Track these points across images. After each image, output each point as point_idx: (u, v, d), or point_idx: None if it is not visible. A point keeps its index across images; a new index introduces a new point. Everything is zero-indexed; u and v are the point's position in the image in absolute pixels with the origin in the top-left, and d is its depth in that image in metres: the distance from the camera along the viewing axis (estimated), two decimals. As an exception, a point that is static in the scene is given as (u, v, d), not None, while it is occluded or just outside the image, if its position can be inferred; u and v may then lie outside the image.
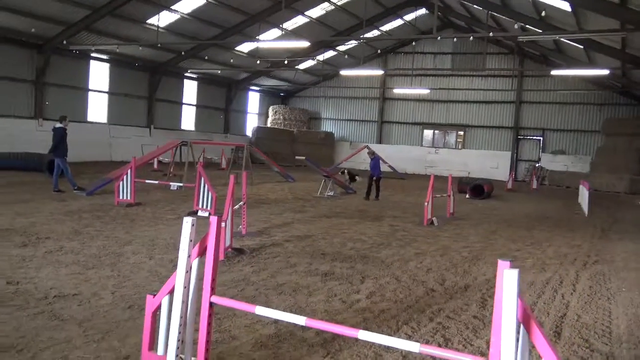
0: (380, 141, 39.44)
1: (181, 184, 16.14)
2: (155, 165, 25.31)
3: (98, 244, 8.74)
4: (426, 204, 13.24)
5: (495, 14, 24.65)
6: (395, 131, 39.82)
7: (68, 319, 5.20)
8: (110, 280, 6.66)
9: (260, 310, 3.65)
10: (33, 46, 24.45)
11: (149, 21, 25.03)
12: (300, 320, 3.55)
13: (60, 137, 14.96)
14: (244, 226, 10.30)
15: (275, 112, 40.65)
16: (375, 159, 18.68)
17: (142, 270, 7.25)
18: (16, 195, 13.76)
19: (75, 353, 4.42)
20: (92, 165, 24.05)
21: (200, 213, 12.32)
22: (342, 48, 35.20)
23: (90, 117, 28.23)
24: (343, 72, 31.90)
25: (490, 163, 35.66)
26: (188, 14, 25.44)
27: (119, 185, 13.42)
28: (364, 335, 3.27)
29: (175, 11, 24.86)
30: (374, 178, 18.35)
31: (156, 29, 24.35)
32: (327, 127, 41.72)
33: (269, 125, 40.49)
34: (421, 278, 7.79)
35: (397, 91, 37.09)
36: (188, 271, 3.86)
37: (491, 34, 18.73)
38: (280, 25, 28.17)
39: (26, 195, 13.99)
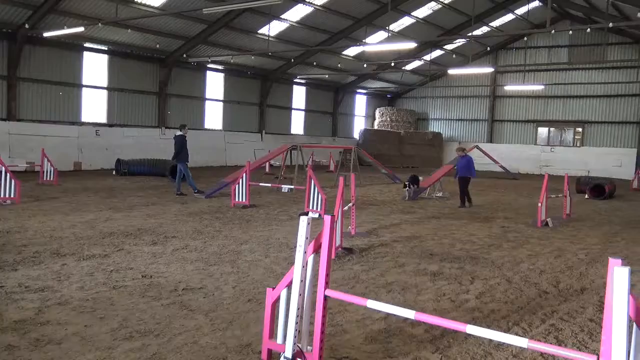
0: (491, 140, 38.28)
1: (292, 187, 16.76)
2: (267, 169, 26.37)
3: (218, 242, 9.39)
4: (540, 204, 12.79)
5: (617, 1, 23.12)
6: (507, 130, 38.44)
7: (196, 309, 5.73)
8: (230, 275, 7.18)
9: (372, 304, 3.87)
10: (157, 60, 26.49)
11: (260, 31, 26.18)
12: (409, 314, 3.72)
13: (180, 144, 16.11)
14: (353, 227, 10.57)
15: (382, 114, 40.75)
16: (465, 157, 16.35)
17: (259, 267, 7.73)
18: (146, 199, 15.03)
19: (204, 339, 4.89)
20: (209, 170, 25.57)
21: (310, 214, 12.73)
22: (450, 47, 34.61)
23: (207, 125, 29.99)
24: (451, 71, 31.38)
25: (612, 161, 33.37)
26: (297, 22, 26.30)
27: (235, 188, 14.24)
28: (472, 329, 3.37)
29: (285, 20, 25.80)
30: (459, 179, 16.09)
31: (267, 38, 25.43)
32: (435, 127, 41.16)
33: (375, 127, 40.67)
34: (533, 280, 7.62)
35: (509, 88, 35.81)
36: (304, 266, 4.15)
37: (611, 24, 17.58)
38: (387, 28, 28.29)
39: (154, 198, 15.23)
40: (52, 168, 17.92)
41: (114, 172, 22.32)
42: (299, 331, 4.18)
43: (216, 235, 10.11)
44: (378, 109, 41.38)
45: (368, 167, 29.13)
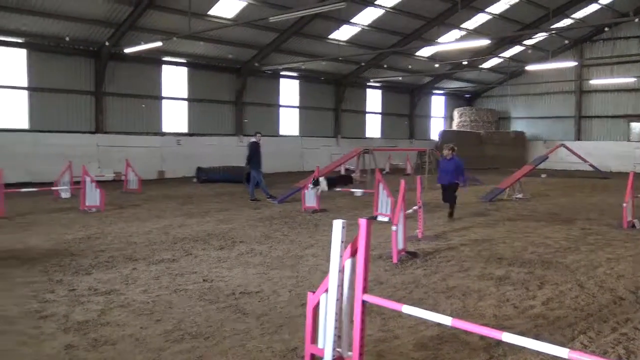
0: (578, 138, 36.34)
1: (365, 191, 16.66)
2: (342, 173, 26.40)
3: (283, 247, 9.49)
4: (624, 204, 11.97)
5: None
6: (595, 126, 36.33)
7: (249, 312, 5.80)
8: (289, 280, 7.23)
9: (407, 309, 3.75)
10: (232, 70, 27.27)
11: (330, 36, 26.32)
12: (445, 320, 3.57)
13: (254, 151, 16.44)
14: (420, 230, 10.35)
15: (461, 114, 39.70)
16: (452, 160, 13.14)
17: (319, 271, 7.72)
18: (220, 205, 15.47)
19: (251, 343, 4.94)
20: (285, 176, 25.94)
21: (379, 218, 12.64)
22: (528, 42, 33.24)
23: (283, 131, 30.49)
24: (530, 68, 30.10)
25: None
26: (368, 25, 26.20)
27: (305, 193, 14.36)
28: (508, 337, 3.19)
29: (355, 24, 25.78)
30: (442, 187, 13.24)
31: (338, 43, 25.52)
32: (517, 126, 39.60)
33: (454, 128, 39.69)
34: (609, 285, 7.12)
35: (596, 82, 33.88)
36: (341, 271, 4.10)
37: None
38: (460, 26, 27.59)
39: (228, 204, 15.65)
40: (135, 177, 18.86)
41: (194, 180, 23.15)
42: (338, 336, 4.12)
43: (283, 239, 10.22)
44: (456, 109, 40.37)
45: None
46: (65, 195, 16.44)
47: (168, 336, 5.08)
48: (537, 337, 4.93)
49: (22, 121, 21.35)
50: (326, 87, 32.30)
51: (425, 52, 31.01)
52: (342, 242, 4.08)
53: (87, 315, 5.64)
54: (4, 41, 20.48)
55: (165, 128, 25.54)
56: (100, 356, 4.60)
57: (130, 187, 18.86)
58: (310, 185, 13.18)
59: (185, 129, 26.27)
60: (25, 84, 21.25)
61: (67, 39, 21.00)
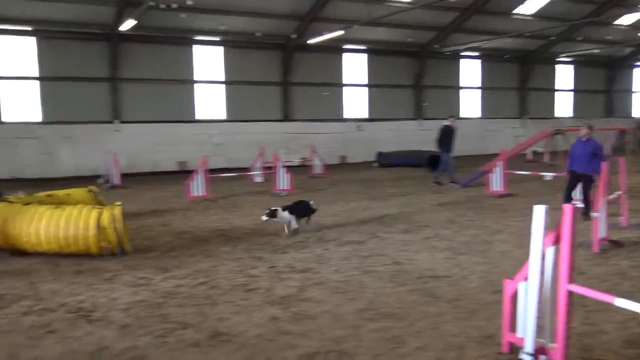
0: None
1: (555, 174, 15.56)
2: (530, 156, 24.89)
3: (470, 232, 9.27)
4: None
5: None
6: None
7: (439, 297, 5.79)
8: (479, 266, 7.05)
9: (621, 302, 3.44)
10: (411, 54, 27.11)
11: (515, 11, 24.84)
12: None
13: (445, 134, 16.11)
14: (625, 217, 9.40)
15: (670, 87, 35.05)
16: (590, 142, 10.10)
17: (511, 258, 7.41)
18: (402, 189, 15.58)
19: (445, 326, 4.93)
20: (467, 159, 25.18)
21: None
22: None
23: (463, 113, 29.62)
24: None
25: None
26: (558, -4, 24.27)
27: (490, 177, 13.84)
28: None
29: (544, -5, 24.04)
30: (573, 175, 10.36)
31: (524, 17, 23.99)
32: None
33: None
34: None
35: None
36: (542, 258, 3.89)
37: None
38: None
39: (409, 188, 15.69)
40: (320, 162, 19.79)
41: (374, 164, 23.58)
42: (540, 327, 3.94)
43: (468, 224, 9.99)
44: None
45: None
46: (258, 179, 17.82)
47: (362, 314, 5.28)
48: None
49: (221, 112, 23.55)
50: (510, 65, 30.63)
51: (627, 19, 27.79)
52: (544, 228, 3.86)
53: (287, 291, 6.08)
54: (204, 40, 22.73)
55: (346, 114, 26.33)
56: (302, 328, 4.94)
57: (316, 171, 19.82)
58: (264, 217, 9.34)
59: (365, 115, 26.82)
60: (223, 79, 23.37)
61: (259, 34, 22.58)
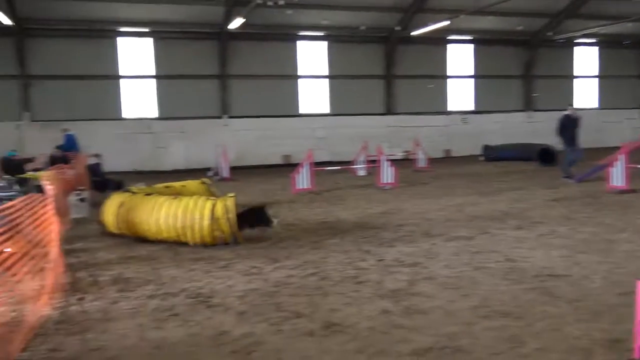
0: None
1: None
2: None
3: (588, 230, 8.72)
4: None
5: None
6: None
7: (559, 296, 5.48)
8: (601, 265, 6.61)
9: None
10: (520, 43, 25.91)
11: (639, -7, 22.99)
12: None
13: (564, 125, 15.23)
14: None
15: None
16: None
17: (638, 259, 6.90)
18: (511, 183, 14.98)
19: (567, 328, 4.66)
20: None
21: None
22: None
23: (577, 104, 27.86)
24: None
25: None
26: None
27: (610, 171, 12.95)
28: None
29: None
30: None
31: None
32: None
33: None
34: None
35: None
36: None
37: None
38: None
39: (519, 183, 15.04)
40: (424, 156, 19.48)
41: (480, 158, 22.86)
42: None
43: (586, 221, 9.40)
44: None
45: None
46: (361, 173, 17.85)
47: (476, 311, 5.12)
48: None
49: (324, 106, 23.84)
50: (630, 52, 28.42)
51: None
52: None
53: (397, 285, 6.03)
54: (308, 35, 23.09)
55: (451, 107, 25.69)
56: (414, 323, 4.88)
57: (420, 165, 19.53)
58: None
59: (470, 107, 26.03)
60: (326, 73, 23.63)
61: (362, 28, 22.56)
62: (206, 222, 8.01)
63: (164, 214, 8.25)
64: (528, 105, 26.56)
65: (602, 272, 6.30)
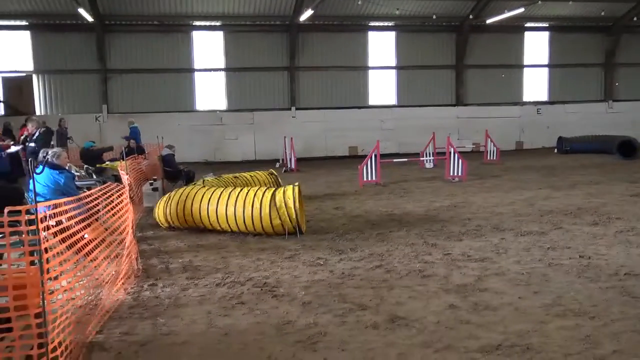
0: None
1: None
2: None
3: (673, 227, 8.22)
4: None
5: None
6: None
7: (639, 297, 5.19)
8: (686, 265, 6.21)
9: None
10: (601, 29, 24.59)
11: None
12: None
13: None
14: None
15: None
16: None
17: None
18: (587, 177, 14.31)
19: (649, 331, 4.41)
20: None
21: None
22: None
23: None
24: None
25: None
26: None
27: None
28: None
29: None
30: None
31: None
32: None
33: None
34: None
35: None
36: None
37: None
38: None
39: (597, 177, 14.35)
40: (494, 148, 18.91)
41: (555, 150, 21.97)
42: None
43: (671, 218, 8.86)
44: None
45: None
46: (429, 165, 17.55)
47: (548, 310, 4.93)
48: None
49: (391, 98, 23.58)
50: None
51: None
52: None
53: (465, 280, 5.89)
54: (378, 26, 22.88)
55: (526, 97, 24.78)
56: (482, 319, 4.75)
57: (490, 157, 18.99)
58: None
59: (545, 97, 25.01)
60: (394, 64, 23.35)
61: (434, 16, 22.06)
62: (267, 210, 8.06)
63: (231, 203, 8.37)
64: (608, 95, 25.21)
65: (688, 273, 5.92)
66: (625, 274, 5.92)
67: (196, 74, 22.11)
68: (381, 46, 23.32)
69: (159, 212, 9.04)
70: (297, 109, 22.67)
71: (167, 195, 9.17)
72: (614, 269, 6.11)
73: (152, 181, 11.79)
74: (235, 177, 10.80)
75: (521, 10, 19.11)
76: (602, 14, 23.32)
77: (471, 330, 4.54)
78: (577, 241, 7.50)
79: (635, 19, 23.35)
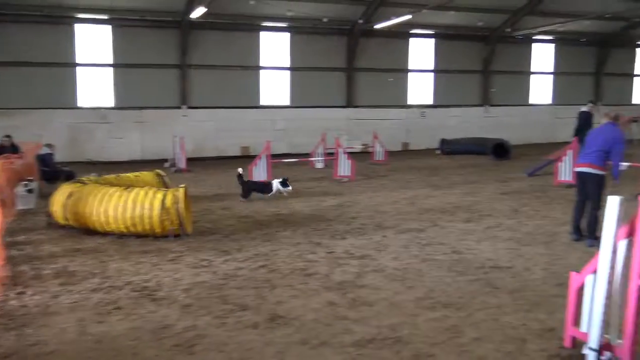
0: None
1: (630, 164, 14.78)
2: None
3: (534, 222, 8.98)
4: None
5: None
6: None
7: (501, 287, 5.64)
8: (542, 257, 6.83)
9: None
10: (480, 38, 26.29)
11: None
12: None
13: (583, 121, 15.57)
14: None
15: None
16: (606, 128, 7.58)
17: (576, 250, 7.15)
18: (465, 177, 15.24)
19: (505, 318, 4.81)
20: (534, 147, 24.34)
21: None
22: None
23: (532, 100, 28.59)
24: None
25: None
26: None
27: (558, 166, 13.32)
28: None
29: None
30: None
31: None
32: None
33: None
34: None
35: None
36: (614, 252, 3.71)
37: None
38: None
39: (473, 176, 15.32)
40: (382, 149, 19.63)
41: (437, 151, 23.18)
42: (606, 322, 3.76)
43: (533, 215, 9.67)
44: None
45: None
46: (319, 165, 17.87)
47: (420, 303, 5.22)
48: None
49: (284, 98, 23.76)
50: (586, 49, 29.16)
51: None
52: (617, 220, 3.67)
53: (345, 277, 6.09)
54: (271, 27, 22.96)
55: (411, 100, 25.93)
56: (359, 315, 4.94)
57: (377, 158, 19.68)
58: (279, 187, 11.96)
59: (430, 101, 26.34)
60: (288, 64, 23.54)
61: (325, 20, 22.47)
62: (156, 212, 7.90)
63: (113, 204, 8.08)
64: (485, 100, 27.03)
65: (543, 264, 6.51)
66: (491, 267, 6.40)
67: (80, 69, 20.94)
68: (276, 47, 23.39)
69: (55, 210, 8.76)
70: (188, 107, 22.19)
71: (66, 192, 8.73)
72: (481, 262, 6.59)
73: (27, 182, 11.05)
74: (118, 177, 10.38)
75: (408, 17, 19.97)
76: (480, 24, 24.97)
77: (347, 325, 4.70)
78: (451, 237, 7.99)
79: (508, 30, 25.23)
